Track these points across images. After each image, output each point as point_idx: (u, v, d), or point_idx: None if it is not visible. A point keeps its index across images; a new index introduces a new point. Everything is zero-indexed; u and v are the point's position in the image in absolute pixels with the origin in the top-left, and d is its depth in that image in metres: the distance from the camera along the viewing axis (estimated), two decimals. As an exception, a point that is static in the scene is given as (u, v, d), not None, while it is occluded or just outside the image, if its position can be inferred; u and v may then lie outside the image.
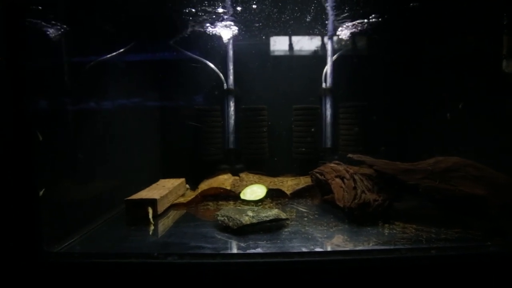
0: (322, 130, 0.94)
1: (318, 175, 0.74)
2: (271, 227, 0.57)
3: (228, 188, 0.80)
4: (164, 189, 0.73)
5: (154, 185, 0.79)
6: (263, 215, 0.57)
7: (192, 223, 0.61)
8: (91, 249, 0.50)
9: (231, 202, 0.75)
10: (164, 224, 0.62)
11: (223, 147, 0.96)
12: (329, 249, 0.48)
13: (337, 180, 0.67)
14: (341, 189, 0.64)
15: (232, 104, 0.94)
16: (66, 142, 0.55)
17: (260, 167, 0.94)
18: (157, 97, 0.96)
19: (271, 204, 0.73)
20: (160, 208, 0.67)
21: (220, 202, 0.75)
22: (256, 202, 0.74)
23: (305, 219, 0.61)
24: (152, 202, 0.64)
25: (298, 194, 0.78)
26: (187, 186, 0.82)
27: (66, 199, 0.55)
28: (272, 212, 0.58)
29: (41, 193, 0.48)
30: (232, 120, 0.95)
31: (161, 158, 0.97)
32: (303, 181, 0.84)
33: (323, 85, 0.94)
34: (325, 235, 0.53)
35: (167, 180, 0.84)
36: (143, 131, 0.88)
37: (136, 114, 0.84)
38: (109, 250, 0.49)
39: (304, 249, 0.48)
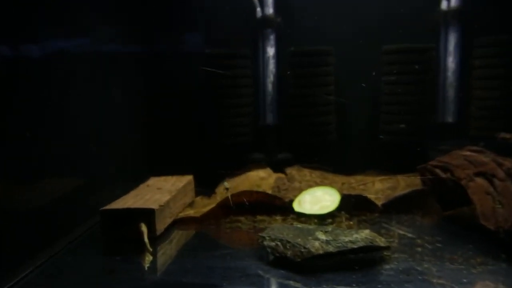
0: (439, 90, 0.88)
1: (438, 171, 0.70)
2: (360, 261, 0.55)
3: (269, 192, 0.79)
4: (163, 194, 0.73)
5: (142, 187, 0.79)
6: (346, 239, 0.56)
7: (217, 251, 0.61)
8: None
9: (278, 217, 0.74)
10: (168, 253, 0.63)
11: (254, 122, 0.94)
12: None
13: (479, 180, 0.63)
14: (488, 197, 0.61)
15: (271, 44, 0.92)
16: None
17: (321, 158, 0.92)
18: (140, 37, 0.95)
19: (350, 222, 0.71)
20: (160, 225, 0.67)
21: (259, 217, 0.74)
22: (322, 218, 0.72)
23: (418, 249, 0.60)
24: (148, 215, 0.64)
25: (396, 205, 0.75)
26: (226, 184, 0.80)
27: (8, 209, 0.56)
28: (361, 235, 0.57)
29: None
30: (271, 74, 0.93)
31: (148, 141, 0.96)
32: (403, 183, 0.81)
33: (442, 4, 0.87)
34: (464, 279, 0.51)
35: (163, 179, 0.84)
36: (117, 97, 0.88)
37: (107, 66, 0.83)
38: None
39: (431, 305, 0.46)
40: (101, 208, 0.66)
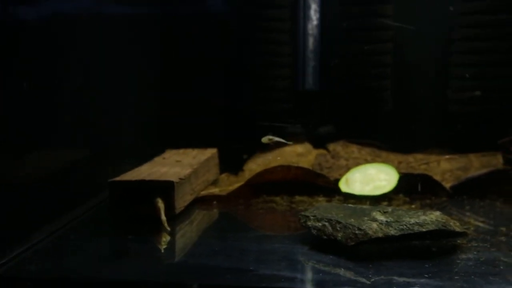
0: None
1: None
2: (426, 249, 0.55)
3: (309, 168, 0.78)
4: (183, 167, 0.73)
5: (157, 160, 0.80)
6: (412, 221, 0.55)
7: (249, 233, 0.62)
8: (60, 269, 0.52)
9: (321, 198, 0.74)
10: (190, 234, 0.63)
11: (291, 86, 0.94)
12: None
13: None
14: None
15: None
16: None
17: (372, 131, 0.92)
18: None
19: (412, 206, 0.70)
20: (179, 202, 0.67)
21: (297, 198, 0.75)
22: (375, 201, 0.72)
23: (502, 238, 0.59)
24: (166, 189, 0.64)
25: (469, 189, 0.74)
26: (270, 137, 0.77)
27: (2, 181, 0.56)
28: (431, 217, 0.55)
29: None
30: (313, 27, 0.92)
31: (162, 109, 0.98)
32: (476, 163, 0.80)
33: None
34: None
35: (182, 151, 0.85)
36: (129, 60, 0.87)
37: (121, 29, 0.84)
38: (101, 273, 0.50)
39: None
40: (110, 180, 0.66)
